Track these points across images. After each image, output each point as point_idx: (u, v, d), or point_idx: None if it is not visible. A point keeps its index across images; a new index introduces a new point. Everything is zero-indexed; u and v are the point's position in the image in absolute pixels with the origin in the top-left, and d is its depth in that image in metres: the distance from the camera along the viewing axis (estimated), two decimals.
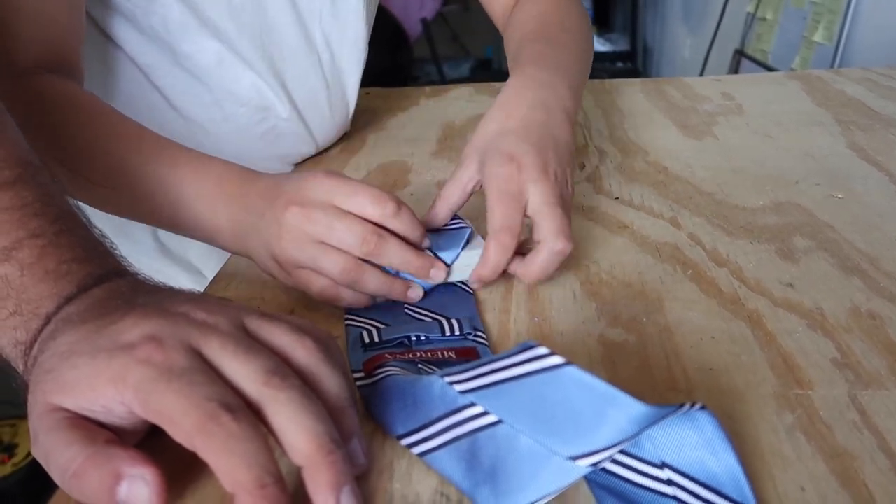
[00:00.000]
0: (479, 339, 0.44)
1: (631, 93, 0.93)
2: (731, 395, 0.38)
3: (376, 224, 0.46)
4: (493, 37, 3.24)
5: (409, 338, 0.44)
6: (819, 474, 0.33)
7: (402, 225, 0.46)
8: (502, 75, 3.06)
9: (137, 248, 0.73)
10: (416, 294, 0.48)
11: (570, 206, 0.50)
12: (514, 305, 0.48)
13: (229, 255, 0.56)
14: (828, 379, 0.39)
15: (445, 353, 0.43)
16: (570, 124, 0.55)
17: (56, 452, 0.29)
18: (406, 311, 0.48)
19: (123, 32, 0.63)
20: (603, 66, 3.89)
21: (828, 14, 1.79)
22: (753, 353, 0.42)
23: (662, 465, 0.32)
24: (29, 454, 1.60)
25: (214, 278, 0.54)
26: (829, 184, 0.63)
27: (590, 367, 0.41)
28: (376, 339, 0.44)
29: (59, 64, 0.55)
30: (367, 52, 0.76)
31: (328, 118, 0.76)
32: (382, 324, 0.46)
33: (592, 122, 0.82)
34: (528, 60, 0.60)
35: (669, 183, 0.65)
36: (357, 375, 0.41)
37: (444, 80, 4.08)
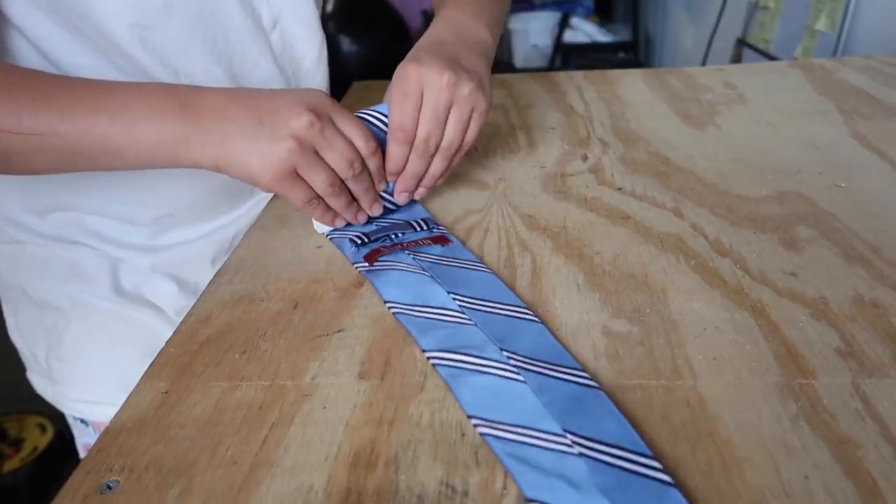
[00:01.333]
0: (442, 230, 0.56)
1: (632, 83, 0.93)
2: (735, 385, 0.38)
3: None
4: None
5: (390, 236, 0.55)
6: (823, 463, 0.33)
7: (374, 165, 0.55)
8: (500, 66, 3.04)
9: (92, 288, 0.67)
10: (363, 218, 0.57)
11: (471, 119, 0.57)
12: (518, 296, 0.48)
13: (203, 287, 0.53)
14: (831, 368, 0.39)
15: (423, 241, 0.55)
16: (481, 52, 0.60)
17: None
18: (376, 224, 0.58)
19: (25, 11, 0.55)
20: (604, 57, 3.88)
21: (830, 2, 1.78)
22: (757, 342, 0.42)
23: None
24: (35, 449, 1.61)
25: (219, 271, 0.54)
26: (831, 173, 0.63)
27: (594, 359, 0.41)
28: (365, 240, 0.54)
29: None
30: (322, 32, 0.71)
31: None
32: (363, 233, 0.56)
33: (594, 113, 0.82)
34: (446, 6, 0.65)
35: (672, 173, 0.65)
36: (361, 266, 0.52)
37: None
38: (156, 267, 0.69)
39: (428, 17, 3.96)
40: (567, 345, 0.42)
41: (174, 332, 0.46)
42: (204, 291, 0.51)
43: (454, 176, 0.67)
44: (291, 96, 0.51)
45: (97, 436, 0.37)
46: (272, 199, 0.66)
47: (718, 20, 2.58)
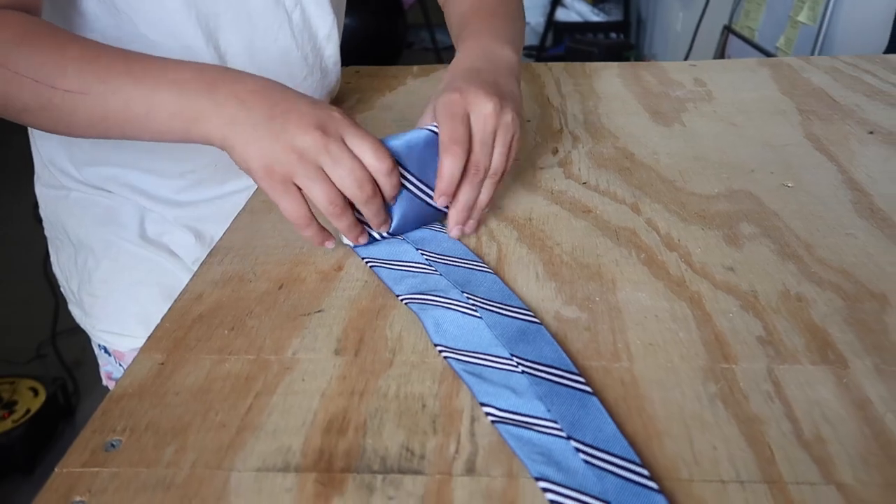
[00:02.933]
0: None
1: (609, 77, 0.97)
2: (666, 368, 0.44)
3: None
4: None
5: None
6: (731, 436, 0.38)
7: (389, 185, 0.53)
8: None
9: (123, 232, 0.77)
10: (363, 240, 0.56)
11: (512, 145, 0.57)
12: None
13: (217, 240, 0.61)
14: (751, 354, 0.44)
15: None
16: (514, 76, 0.63)
17: None
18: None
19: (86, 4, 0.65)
20: (596, 38, 3.91)
21: None
22: (690, 330, 0.47)
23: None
24: (28, 411, 1.66)
25: (211, 252, 0.59)
26: (782, 173, 0.68)
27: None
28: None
29: (23, 6, 0.57)
30: (333, 13, 0.78)
31: (302, 80, 0.78)
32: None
33: (569, 107, 0.87)
34: (470, 35, 0.67)
35: (634, 169, 0.70)
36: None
37: (436, 47, 4.08)
38: (178, 219, 0.79)
39: None
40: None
41: (169, 309, 0.51)
42: (197, 271, 0.56)
43: None
44: (307, 108, 0.52)
45: (117, 365, 0.42)
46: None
47: (706, 6, 2.61)
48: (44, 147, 0.79)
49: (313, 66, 0.79)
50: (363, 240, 0.56)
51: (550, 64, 1.03)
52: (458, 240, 0.59)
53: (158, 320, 0.50)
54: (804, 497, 0.35)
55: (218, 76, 0.53)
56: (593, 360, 0.45)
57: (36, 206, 0.84)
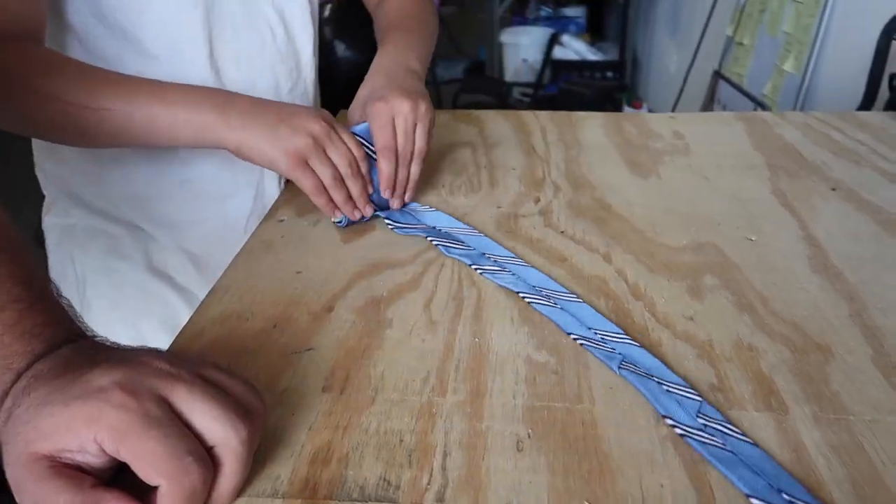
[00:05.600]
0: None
1: (592, 126, 1.03)
2: (623, 411, 0.48)
3: None
4: (487, 38, 3.33)
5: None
6: (676, 475, 0.43)
7: (365, 168, 0.73)
8: (491, 81, 3.13)
9: (127, 263, 0.83)
10: (357, 216, 0.73)
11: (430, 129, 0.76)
12: (460, 326, 0.57)
13: (219, 274, 0.65)
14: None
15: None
16: (417, 77, 0.80)
17: (47, 500, 0.34)
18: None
19: (76, 15, 0.73)
20: (592, 76, 3.99)
21: (797, 45, 1.89)
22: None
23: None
24: None
25: (211, 290, 0.63)
26: (747, 226, 0.73)
27: (514, 384, 0.51)
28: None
29: (29, 32, 0.66)
30: (316, 23, 0.91)
31: (288, 93, 0.88)
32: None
33: (552, 156, 0.92)
34: (388, 42, 0.85)
35: (610, 219, 0.75)
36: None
37: (435, 81, 4.16)
38: (179, 242, 0.86)
39: None
40: (494, 371, 0.52)
41: (171, 344, 0.55)
42: (198, 309, 0.60)
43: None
44: (307, 109, 0.70)
45: None
46: (259, 225, 0.76)
47: (697, 50, 2.69)
48: (55, 180, 0.84)
49: (296, 80, 0.89)
50: (357, 215, 0.73)
51: (538, 113, 1.08)
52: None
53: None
54: None
55: (226, 96, 0.69)
56: (558, 402, 0.49)
57: (38, 231, 0.88)
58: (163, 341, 0.55)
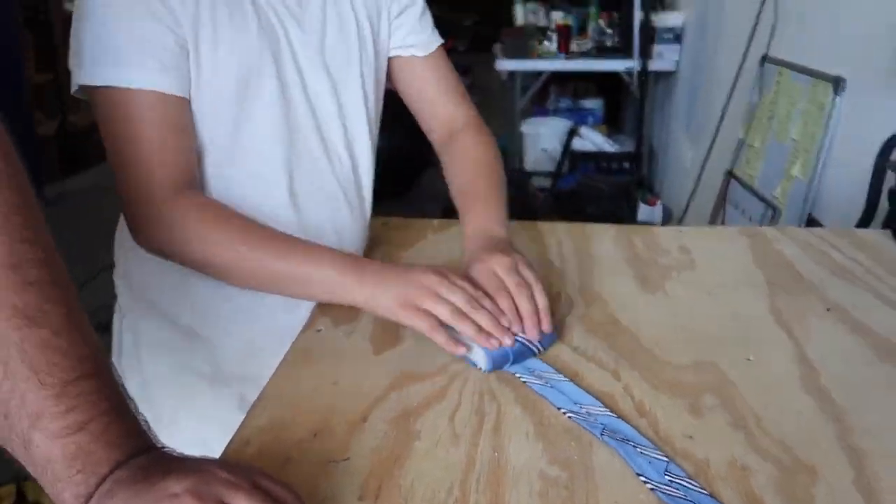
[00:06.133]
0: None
1: (604, 239, 1.10)
2: None
3: None
4: (508, 128, 3.45)
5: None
6: None
7: (488, 304, 0.77)
8: (510, 172, 3.21)
9: (195, 376, 0.94)
10: (495, 344, 0.74)
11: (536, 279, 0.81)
12: (481, 440, 0.64)
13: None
14: None
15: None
16: (508, 244, 0.88)
17: None
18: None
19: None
20: (609, 167, 4.11)
21: (804, 152, 1.98)
22: (648, 492, 0.57)
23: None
24: None
25: (258, 398, 0.70)
26: (745, 346, 0.79)
27: (528, 496, 0.57)
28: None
29: (189, 178, 0.81)
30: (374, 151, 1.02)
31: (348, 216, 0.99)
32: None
33: (567, 271, 0.99)
34: (474, 216, 0.93)
35: (619, 335, 0.82)
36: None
37: None
38: (244, 352, 0.95)
39: None
40: (511, 484, 0.58)
41: (223, 453, 0.62)
42: (245, 418, 0.67)
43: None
44: (423, 266, 0.79)
45: None
46: (299, 336, 0.83)
47: (710, 148, 2.79)
48: (137, 288, 0.95)
49: (355, 208, 0.99)
50: (493, 343, 0.74)
51: (554, 224, 1.16)
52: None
53: (217, 449, 0.61)
54: None
55: (357, 260, 0.83)
56: None
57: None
58: (222, 442, 0.62)
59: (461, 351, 0.74)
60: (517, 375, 0.72)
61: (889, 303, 0.89)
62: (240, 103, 0.85)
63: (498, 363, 0.74)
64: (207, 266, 0.81)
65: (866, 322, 0.84)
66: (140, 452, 0.49)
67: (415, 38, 1.02)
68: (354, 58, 0.95)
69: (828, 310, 0.87)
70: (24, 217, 0.49)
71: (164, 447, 0.52)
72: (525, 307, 0.77)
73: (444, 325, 0.75)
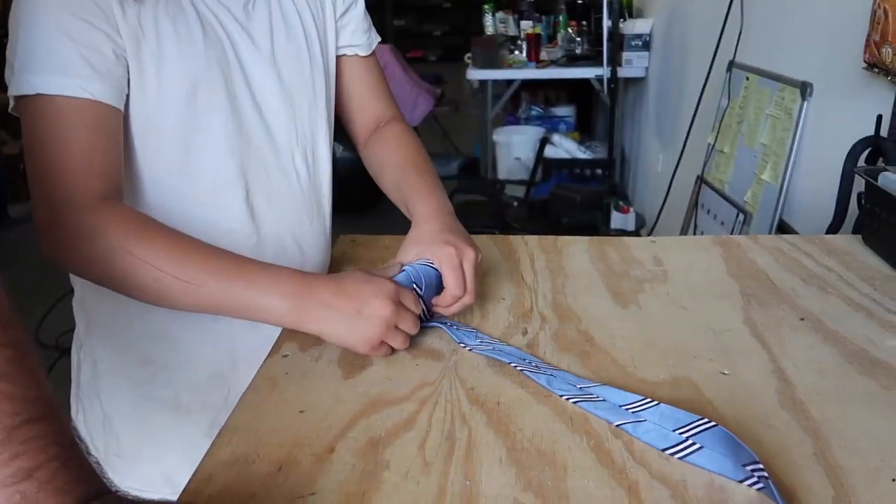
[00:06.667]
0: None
1: (577, 252, 1.09)
2: None
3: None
4: (481, 137, 3.46)
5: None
6: None
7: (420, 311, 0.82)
8: (484, 181, 3.23)
9: (156, 404, 0.91)
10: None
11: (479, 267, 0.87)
12: (452, 468, 0.62)
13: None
14: None
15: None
16: (456, 217, 0.91)
17: None
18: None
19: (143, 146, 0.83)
20: (583, 173, 4.12)
21: (774, 156, 1.99)
22: None
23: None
24: None
25: (220, 432, 0.67)
26: (720, 360, 0.78)
27: None
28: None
29: (114, 189, 0.76)
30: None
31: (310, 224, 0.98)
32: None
33: (540, 286, 0.98)
34: (421, 189, 0.95)
35: (593, 353, 0.80)
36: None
37: None
38: (208, 376, 0.93)
39: (417, 126, 4.20)
40: None
41: (183, 491, 0.59)
42: (207, 451, 0.64)
43: (413, 346, 0.81)
44: (376, 291, 0.76)
45: None
46: (264, 362, 0.80)
47: (681, 154, 2.80)
48: (94, 315, 0.92)
49: (315, 218, 0.98)
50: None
51: (527, 238, 1.14)
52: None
53: (182, 480, 0.59)
54: None
55: (306, 284, 0.76)
56: None
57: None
58: (186, 474, 0.60)
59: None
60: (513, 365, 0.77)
61: (861, 309, 0.88)
62: (189, 116, 0.83)
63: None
64: (126, 283, 0.74)
65: (839, 331, 0.83)
66: (92, 498, 0.46)
67: (359, 38, 1.02)
68: (305, 61, 0.94)
69: (801, 319, 0.87)
70: None
71: (117, 491, 0.49)
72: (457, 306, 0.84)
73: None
